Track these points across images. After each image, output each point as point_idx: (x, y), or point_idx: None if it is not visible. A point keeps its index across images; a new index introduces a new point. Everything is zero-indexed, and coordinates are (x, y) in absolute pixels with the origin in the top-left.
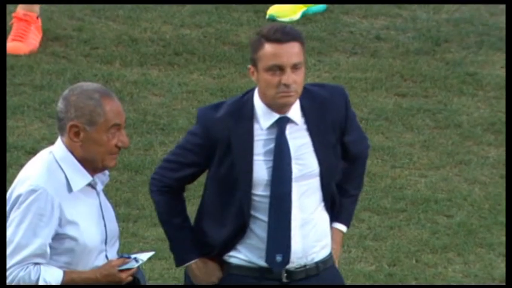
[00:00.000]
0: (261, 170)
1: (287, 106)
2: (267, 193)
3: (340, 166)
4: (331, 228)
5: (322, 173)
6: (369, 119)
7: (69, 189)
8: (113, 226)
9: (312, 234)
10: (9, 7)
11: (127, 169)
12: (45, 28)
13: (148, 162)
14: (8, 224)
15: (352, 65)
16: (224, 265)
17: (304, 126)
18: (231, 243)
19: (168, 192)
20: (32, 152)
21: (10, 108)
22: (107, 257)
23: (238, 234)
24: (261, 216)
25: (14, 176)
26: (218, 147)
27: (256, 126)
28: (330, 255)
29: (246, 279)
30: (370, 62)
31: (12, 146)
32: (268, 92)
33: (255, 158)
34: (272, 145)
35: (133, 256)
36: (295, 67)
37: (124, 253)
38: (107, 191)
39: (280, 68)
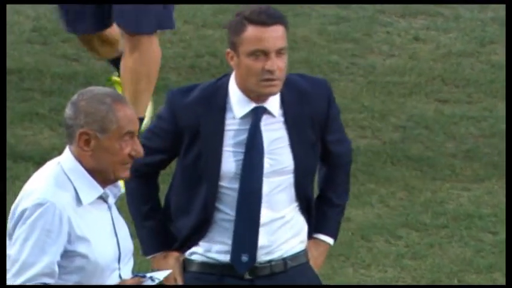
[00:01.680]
0: (229, 162)
1: (269, 96)
2: (235, 186)
3: (317, 167)
4: (315, 238)
5: (297, 170)
6: (407, 127)
7: (79, 202)
8: (127, 242)
9: (281, 231)
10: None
11: None
12: (55, 29)
13: (165, 175)
14: (12, 242)
15: (389, 68)
16: (185, 262)
17: (282, 119)
18: (194, 236)
19: (138, 177)
20: (41, 163)
21: (17, 115)
22: (120, 276)
23: (202, 226)
24: (226, 209)
25: (21, 189)
26: (185, 134)
27: (228, 115)
28: (303, 252)
29: (205, 276)
30: (408, 64)
31: (19, 157)
32: (250, 79)
33: (225, 149)
34: (244, 136)
35: (148, 275)
36: (279, 52)
37: (139, 272)
38: (120, 206)
39: (264, 53)
